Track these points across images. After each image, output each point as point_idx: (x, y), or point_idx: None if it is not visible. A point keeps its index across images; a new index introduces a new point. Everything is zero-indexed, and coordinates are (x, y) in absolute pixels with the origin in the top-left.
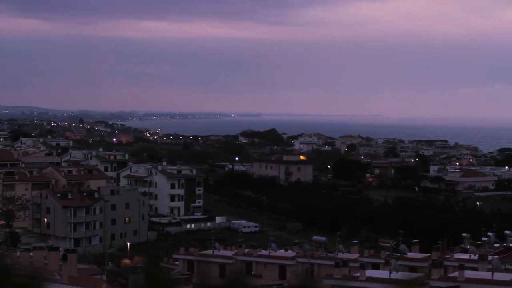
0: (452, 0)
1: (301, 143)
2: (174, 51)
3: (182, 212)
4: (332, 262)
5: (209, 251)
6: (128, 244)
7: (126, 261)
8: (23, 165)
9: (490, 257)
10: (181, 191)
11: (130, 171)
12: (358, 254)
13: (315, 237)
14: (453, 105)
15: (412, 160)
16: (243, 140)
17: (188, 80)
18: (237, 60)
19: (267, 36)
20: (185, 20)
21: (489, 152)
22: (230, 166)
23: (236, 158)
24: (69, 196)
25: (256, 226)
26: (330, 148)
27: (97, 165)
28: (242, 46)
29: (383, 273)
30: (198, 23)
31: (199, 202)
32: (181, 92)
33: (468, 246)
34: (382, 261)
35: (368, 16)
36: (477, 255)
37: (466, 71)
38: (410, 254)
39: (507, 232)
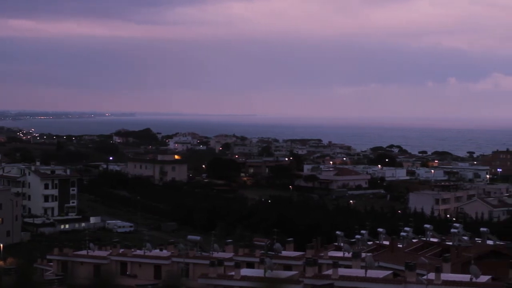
0: (321, 0)
1: (176, 142)
2: (46, 50)
3: (56, 213)
4: (207, 261)
5: (84, 252)
6: (1, 245)
7: None
8: None
9: (363, 255)
10: (55, 192)
11: (3, 172)
12: (233, 253)
13: (190, 237)
14: (329, 104)
15: (286, 159)
16: (117, 139)
17: (61, 79)
18: (110, 59)
19: (140, 35)
20: (55, 19)
21: (362, 151)
22: (105, 166)
23: (111, 158)
24: None
25: (131, 226)
26: (205, 147)
27: None
28: (115, 45)
29: (258, 272)
30: (69, 22)
31: (73, 202)
32: (54, 92)
33: (342, 244)
34: (257, 259)
35: (239, 16)
36: (351, 252)
37: (342, 71)
38: (284, 253)
39: (380, 229)
